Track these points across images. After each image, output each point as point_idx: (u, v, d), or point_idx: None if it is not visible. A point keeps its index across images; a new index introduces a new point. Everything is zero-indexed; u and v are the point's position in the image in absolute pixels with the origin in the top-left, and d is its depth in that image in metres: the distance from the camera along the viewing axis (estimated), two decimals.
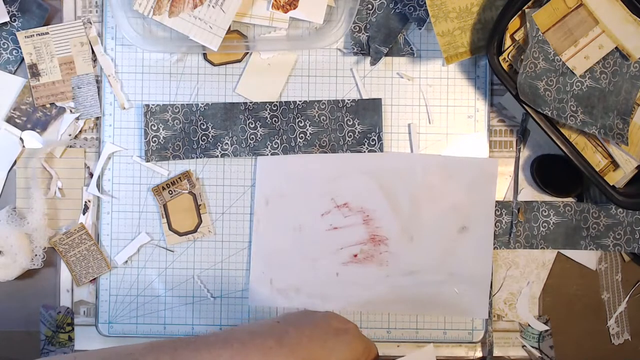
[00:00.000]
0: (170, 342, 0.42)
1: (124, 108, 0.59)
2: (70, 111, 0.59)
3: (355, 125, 0.59)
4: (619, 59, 0.55)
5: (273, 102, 0.59)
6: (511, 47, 0.55)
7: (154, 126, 0.58)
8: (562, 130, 0.55)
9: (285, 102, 0.59)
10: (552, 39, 0.54)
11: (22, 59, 0.58)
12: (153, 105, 0.59)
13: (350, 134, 0.59)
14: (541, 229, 0.59)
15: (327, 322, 0.46)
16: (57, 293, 0.59)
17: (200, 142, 0.59)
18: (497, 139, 0.60)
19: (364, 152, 0.59)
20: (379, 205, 0.59)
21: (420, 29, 0.59)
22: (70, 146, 0.59)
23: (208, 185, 0.59)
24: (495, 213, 0.59)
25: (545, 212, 0.59)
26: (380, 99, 0.59)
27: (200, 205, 0.59)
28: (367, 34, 0.59)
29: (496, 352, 0.60)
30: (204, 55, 0.59)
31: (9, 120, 0.59)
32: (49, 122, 0.59)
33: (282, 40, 0.59)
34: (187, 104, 0.59)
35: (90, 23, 0.59)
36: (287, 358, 0.40)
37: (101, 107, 0.59)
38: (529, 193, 0.60)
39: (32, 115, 0.59)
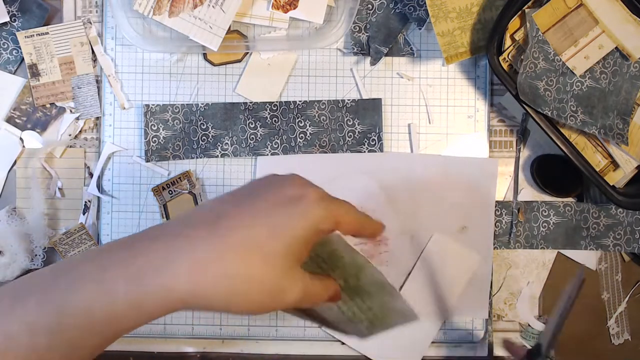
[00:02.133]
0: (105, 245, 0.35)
1: (124, 108, 0.59)
2: (70, 111, 0.59)
3: (355, 125, 0.59)
4: (619, 59, 0.55)
5: (273, 102, 0.59)
6: (511, 47, 0.55)
7: (154, 126, 0.58)
8: (562, 130, 0.55)
9: (285, 102, 0.59)
10: (552, 39, 0.54)
11: (22, 59, 0.58)
12: (153, 105, 0.58)
13: (350, 134, 0.59)
14: (541, 229, 0.59)
15: (280, 191, 0.37)
16: None
17: (200, 142, 0.59)
18: (497, 139, 0.60)
19: (364, 152, 0.59)
20: (379, 205, 0.59)
21: (420, 29, 0.59)
22: (70, 146, 0.59)
23: (208, 185, 0.59)
24: (495, 213, 0.59)
25: (545, 212, 0.59)
26: (380, 99, 0.59)
27: None
28: (367, 34, 0.59)
29: (496, 352, 0.60)
30: (204, 55, 0.59)
31: (9, 120, 0.59)
32: (49, 122, 0.59)
33: (282, 40, 0.59)
34: (187, 104, 0.59)
35: (90, 23, 0.59)
36: (218, 247, 0.33)
37: (101, 107, 0.59)
38: (529, 193, 0.60)
39: (32, 115, 0.59)
